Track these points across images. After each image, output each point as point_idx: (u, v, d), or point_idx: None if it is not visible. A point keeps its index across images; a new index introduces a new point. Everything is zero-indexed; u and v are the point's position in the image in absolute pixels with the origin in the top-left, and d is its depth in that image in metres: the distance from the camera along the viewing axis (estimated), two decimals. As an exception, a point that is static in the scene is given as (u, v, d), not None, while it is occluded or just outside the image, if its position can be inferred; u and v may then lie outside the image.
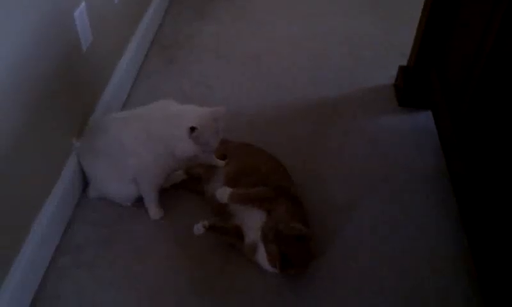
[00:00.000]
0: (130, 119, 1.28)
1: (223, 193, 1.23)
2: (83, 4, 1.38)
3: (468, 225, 1.23)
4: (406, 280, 1.21)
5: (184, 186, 1.40)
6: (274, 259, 1.13)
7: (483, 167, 1.20)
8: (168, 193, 1.37)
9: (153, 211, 1.33)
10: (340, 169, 1.50)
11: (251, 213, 1.22)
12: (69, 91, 1.33)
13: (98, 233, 1.29)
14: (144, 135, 1.23)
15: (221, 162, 1.36)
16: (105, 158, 1.29)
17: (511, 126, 1.12)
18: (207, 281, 1.20)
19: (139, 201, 1.34)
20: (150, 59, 1.96)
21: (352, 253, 1.27)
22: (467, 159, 1.27)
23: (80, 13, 1.36)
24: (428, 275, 1.23)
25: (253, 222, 1.21)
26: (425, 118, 1.67)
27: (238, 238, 1.23)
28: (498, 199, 1.12)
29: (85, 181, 1.39)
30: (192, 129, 1.17)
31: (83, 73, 1.42)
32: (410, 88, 1.72)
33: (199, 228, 1.21)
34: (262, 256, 1.17)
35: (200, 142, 1.19)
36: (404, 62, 1.79)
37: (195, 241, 1.27)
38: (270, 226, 1.16)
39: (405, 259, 1.26)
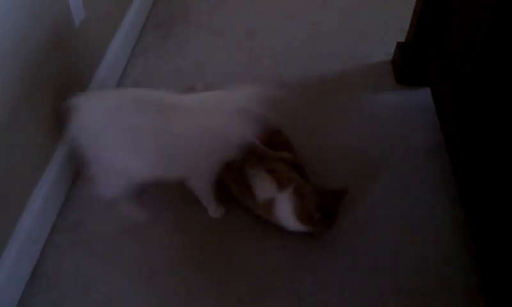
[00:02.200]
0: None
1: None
2: (75, -22, 1.35)
3: (466, 199, 1.23)
4: (405, 254, 1.22)
5: None
6: (307, 213, 1.13)
7: (481, 144, 1.20)
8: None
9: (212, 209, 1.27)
10: (339, 146, 1.50)
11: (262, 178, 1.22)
12: (62, 68, 1.31)
13: (95, 212, 1.28)
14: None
15: None
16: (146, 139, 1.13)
17: (510, 102, 1.11)
18: (206, 259, 1.20)
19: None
20: (144, 36, 1.93)
21: (352, 228, 1.27)
22: (465, 135, 1.26)
23: (72, -12, 1.33)
24: (427, 249, 1.23)
25: (266, 182, 1.20)
26: (423, 95, 1.66)
27: (244, 195, 1.24)
28: (496, 174, 1.12)
29: (80, 160, 1.36)
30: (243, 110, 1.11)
31: (76, 50, 1.40)
32: (408, 65, 1.71)
33: None
34: (284, 210, 1.16)
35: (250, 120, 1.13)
36: (403, 39, 1.77)
37: (194, 221, 1.27)
38: (304, 181, 1.16)
39: (404, 234, 1.27)
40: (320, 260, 1.20)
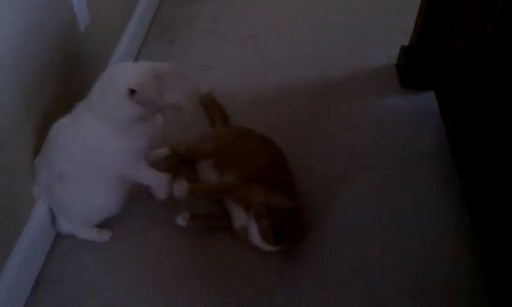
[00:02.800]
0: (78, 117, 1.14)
1: (179, 189, 1.20)
2: (80, -17, 1.36)
3: (471, 202, 1.22)
4: (408, 256, 1.22)
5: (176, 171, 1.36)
6: (267, 234, 1.13)
7: (486, 147, 1.19)
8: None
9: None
10: (342, 149, 1.50)
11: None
12: (67, 72, 1.32)
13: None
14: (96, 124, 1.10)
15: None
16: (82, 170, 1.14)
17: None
18: (209, 262, 1.20)
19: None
20: (149, 41, 1.93)
21: (354, 232, 1.27)
22: (470, 139, 1.26)
23: (77, -7, 1.34)
24: (431, 251, 1.24)
25: (237, 209, 1.21)
26: (427, 99, 1.66)
27: (229, 221, 1.23)
28: (500, 177, 1.11)
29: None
30: (132, 91, 1.03)
31: (82, 55, 1.41)
32: (412, 68, 1.70)
33: (180, 220, 1.22)
34: (254, 234, 1.16)
35: (144, 103, 1.05)
36: (407, 42, 1.77)
37: (196, 224, 1.27)
38: (262, 202, 1.15)
39: (407, 235, 1.27)
40: (320, 261, 1.20)
